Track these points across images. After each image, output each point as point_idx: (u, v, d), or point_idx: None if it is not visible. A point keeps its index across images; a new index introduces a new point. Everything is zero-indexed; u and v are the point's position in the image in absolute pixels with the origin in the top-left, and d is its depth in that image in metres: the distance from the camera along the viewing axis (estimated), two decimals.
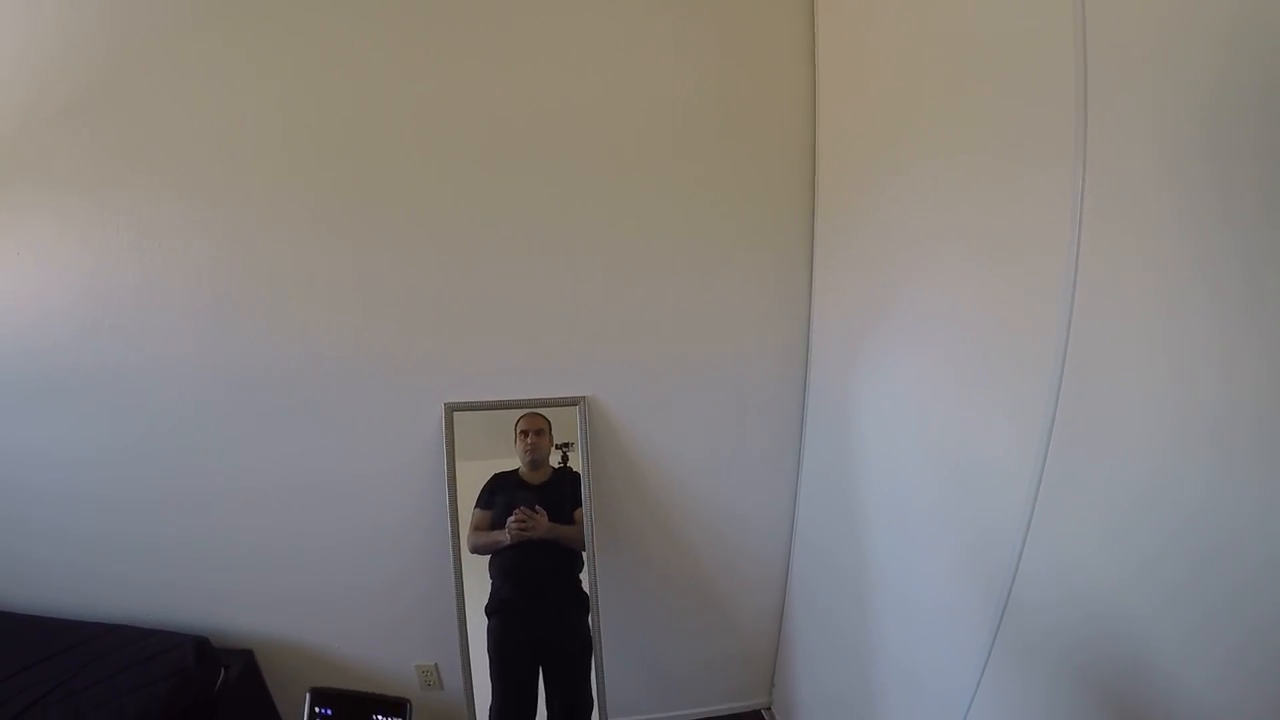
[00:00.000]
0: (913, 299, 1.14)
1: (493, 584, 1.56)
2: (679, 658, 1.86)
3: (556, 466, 1.56)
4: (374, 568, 1.67)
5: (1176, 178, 0.65)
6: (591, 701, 1.60)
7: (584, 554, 1.57)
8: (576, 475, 1.57)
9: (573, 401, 1.53)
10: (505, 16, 1.34)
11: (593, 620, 1.57)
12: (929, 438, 1.11)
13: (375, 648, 1.77)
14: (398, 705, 0.49)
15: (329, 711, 0.49)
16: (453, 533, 1.51)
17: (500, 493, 1.55)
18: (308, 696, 0.48)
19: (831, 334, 1.47)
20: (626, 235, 1.47)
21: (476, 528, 1.55)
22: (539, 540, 1.51)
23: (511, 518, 1.49)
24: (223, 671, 1.65)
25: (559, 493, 1.55)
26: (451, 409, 1.49)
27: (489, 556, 1.55)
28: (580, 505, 1.57)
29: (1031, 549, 0.89)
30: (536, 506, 1.50)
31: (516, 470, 1.56)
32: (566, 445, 1.56)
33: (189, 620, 1.68)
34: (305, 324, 1.46)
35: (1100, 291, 0.76)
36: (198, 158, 1.35)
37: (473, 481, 1.56)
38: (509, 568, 1.55)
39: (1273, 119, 0.56)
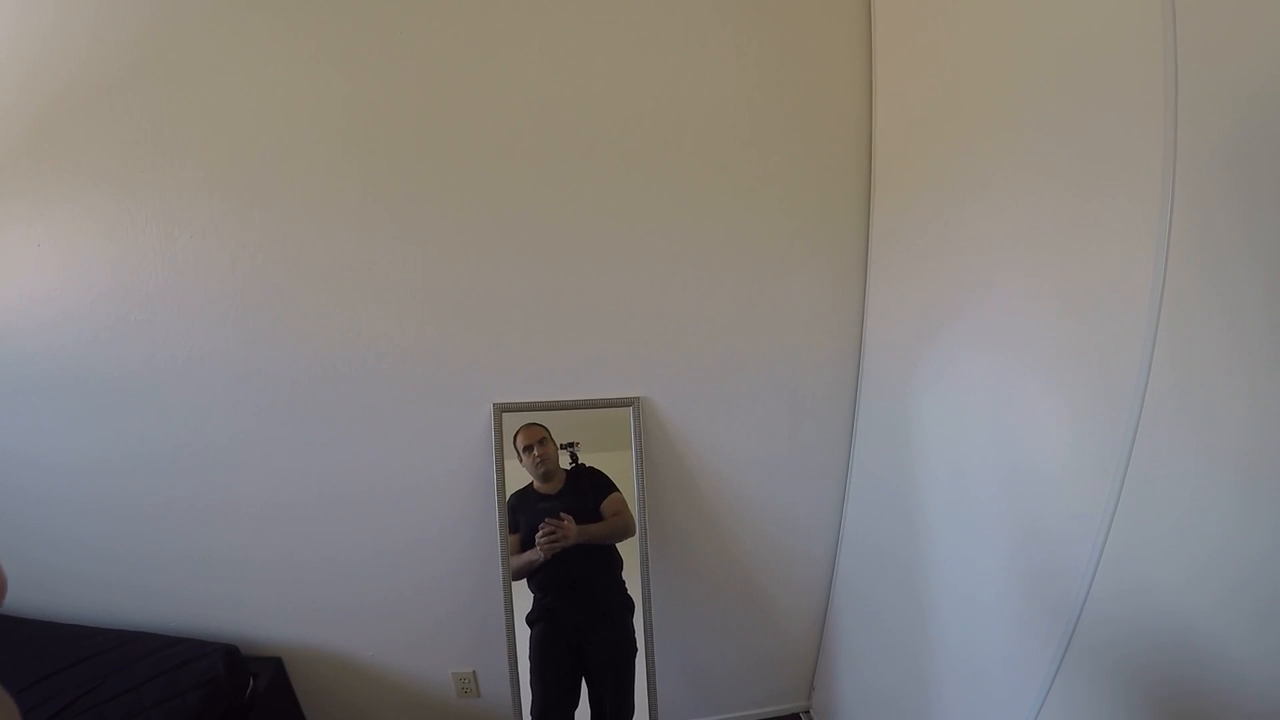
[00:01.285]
0: (982, 306, 1.12)
1: (534, 596, 1.53)
2: (719, 660, 1.83)
3: (568, 468, 1.52)
4: (411, 576, 1.62)
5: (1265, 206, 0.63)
6: (633, 707, 1.57)
7: (633, 557, 1.54)
8: (590, 469, 1.52)
9: (626, 402, 1.48)
10: (572, 14, 1.29)
11: (644, 623, 1.53)
12: (999, 445, 1.09)
13: (410, 655, 1.72)
14: None
15: None
16: (501, 537, 1.47)
17: (522, 513, 1.51)
18: None
19: (888, 336, 1.44)
20: (682, 235, 1.43)
21: (510, 553, 1.50)
22: (573, 546, 1.47)
23: (539, 533, 1.44)
24: (251, 680, 1.59)
25: (579, 494, 1.51)
26: (500, 409, 1.44)
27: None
28: (604, 496, 1.51)
29: (1104, 572, 0.87)
30: (561, 515, 1.46)
31: (530, 485, 1.51)
32: (573, 445, 1.51)
33: (216, 628, 1.63)
34: (346, 323, 1.40)
35: (1187, 321, 0.74)
36: (235, 147, 1.29)
37: (513, 483, 1.51)
38: (548, 581, 1.51)
39: None
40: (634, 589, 1.55)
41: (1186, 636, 0.76)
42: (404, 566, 1.61)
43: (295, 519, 1.55)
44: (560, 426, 1.49)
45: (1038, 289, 0.99)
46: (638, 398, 1.49)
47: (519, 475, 1.50)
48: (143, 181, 1.29)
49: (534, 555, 1.46)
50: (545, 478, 1.50)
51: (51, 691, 1.43)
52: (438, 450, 1.50)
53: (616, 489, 1.52)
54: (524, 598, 1.51)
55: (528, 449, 1.48)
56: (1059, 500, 0.96)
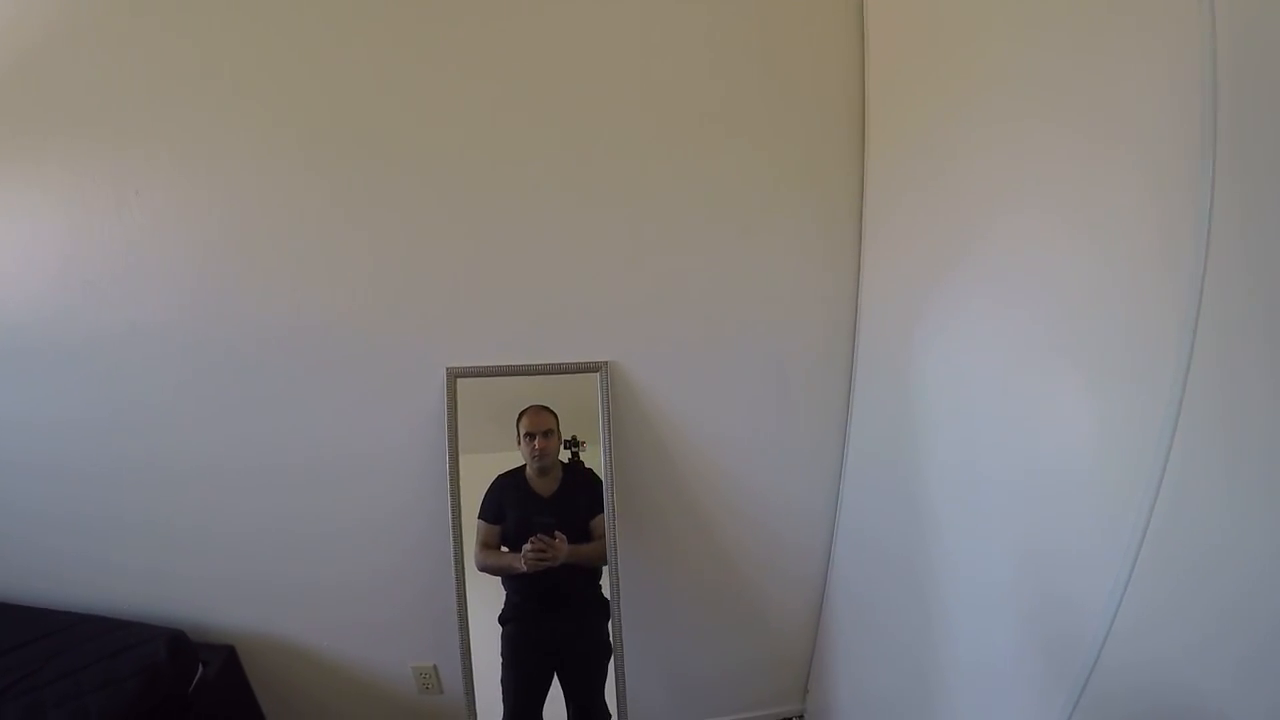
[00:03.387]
0: (986, 247, 0.98)
1: (506, 595, 1.41)
2: (705, 660, 1.69)
3: (565, 462, 1.39)
4: (368, 558, 1.51)
5: None
6: (608, 711, 1.44)
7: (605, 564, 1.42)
8: (589, 472, 1.39)
9: (593, 367, 1.35)
10: None
11: (613, 618, 1.40)
12: (1011, 421, 0.94)
13: (369, 646, 1.60)
14: None
15: None
16: (453, 519, 1.34)
17: (510, 506, 1.38)
18: None
19: (886, 293, 1.29)
20: (654, 183, 1.29)
21: (485, 545, 1.38)
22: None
23: (528, 546, 1.32)
24: (200, 668, 1.51)
25: (573, 502, 1.39)
26: (455, 375, 1.32)
27: None
28: (599, 512, 1.39)
29: (1135, 586, 0.73)
30: (556, 533, 1.33)
31: (522, 470, 1.39)
32: (577, 443, 1.38)
33: (169, 611, 1.54)
34: (294, 281, 1.29)
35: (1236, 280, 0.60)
36: (182, 109, 1.20)
37: (477, 477, 1.38)
38: (525, 586, 1.40)
39: None
40: (604, 580, 1.42)
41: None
42: (360, 546, 1.49)
43: (243, 489, 1.45)
44: (522, 394, 1.36)
45: (1051, 227, 0.85)
46: (606, 362, 1.35)
47: (480, 467, 1.38)
48: (88, 142, 1.21)
49: (515, 563, 1.34)
50: (541, 472, 1.38)
51: None
52: (389, 419, 1.38)
53: None
54: (481, 587, 1.39)
55: (529, 436, 1.35)
56: (1079, 504, 0.81)
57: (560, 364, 1.34)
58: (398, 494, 1.44)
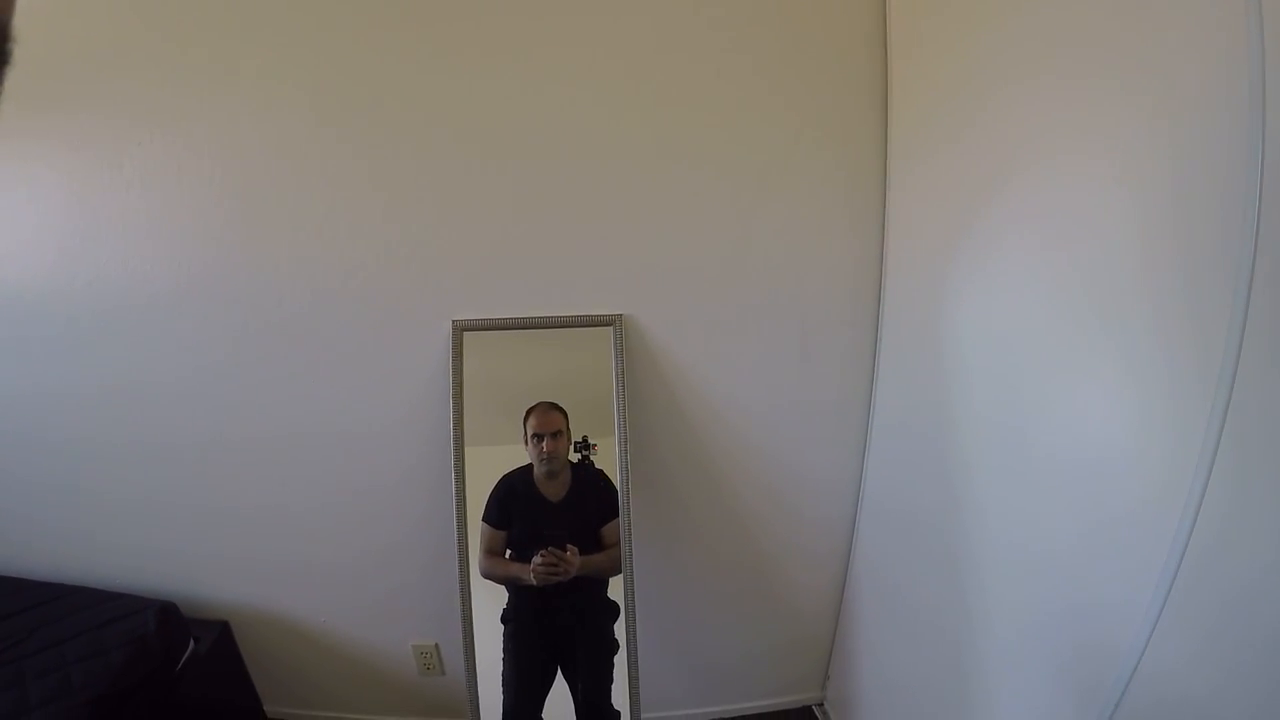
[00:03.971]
0: (1024, 193, 0.90)
1: (509, 596, 1.34)
2: (721, 644, 1.61)
3: (573, 460, 1.31)
4: (369, 532, 1.44)
5: None
6: (616, 711, 1.36)
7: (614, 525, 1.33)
8: (600, 474, 1.31)
9: (607, 321, 1.27)
10: None
11: (626, 600, 1.32)
12: (1057, 367, 0.85)
13: (368, 624, 1.54)
14: None
15: None
16: (456, 490, 1.27)
17: (517, 513, 1.30)
18: None
19: (913, 245, 1.21)
20: (669, 129, 1.22)
21: (489, 551, 1.30)
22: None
23: (538, 559, 1.23)
24: (192, 643, 1.45)
25: (583, 507, 1.31)
26: (460, 328, 1.25)
27: None
28: (609, 519, 1.31)
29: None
30: (568, 546, 1.25)
31: (529, 471, 1.30)
32: (587, 446, 1.30)
33: (161, 586, 1.49)
34: (292, 230, 1.24)
35: None
36: (189, 59, 1.16)
37: (485, 471, 1.30)
38: (527, 593, 1.32)
39: None
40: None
41: None
42: (358, 519, 1.43)
43: (241, 461, 1.40)
44: (531, 349, 1.29)
45: (1089, 171, 0.78)
46: (619, 315, 1.28)
47: (487, 460, 1.30)
48: (96, 99, 1.18)
49: (522, 574, 1.26)
50: (550, 475, 1.29)
51: None
52: (393, 380, 1.32)
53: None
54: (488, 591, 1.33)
55: (537, 437, 1.27)
56: (1139, 482, 0.73)
57: (572, 317, 1.26)
58: (401, 459, 1.37)
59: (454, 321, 1.25)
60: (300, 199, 1.22)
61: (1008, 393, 0.96)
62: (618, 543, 1.31)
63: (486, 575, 1.30)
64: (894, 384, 1.31)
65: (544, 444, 1.27)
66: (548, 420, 1.28)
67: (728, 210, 1.26)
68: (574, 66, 1.19)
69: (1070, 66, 0.81)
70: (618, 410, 1.28)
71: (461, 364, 1.24)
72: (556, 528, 1.26)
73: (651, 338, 1.31)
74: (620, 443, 1.29)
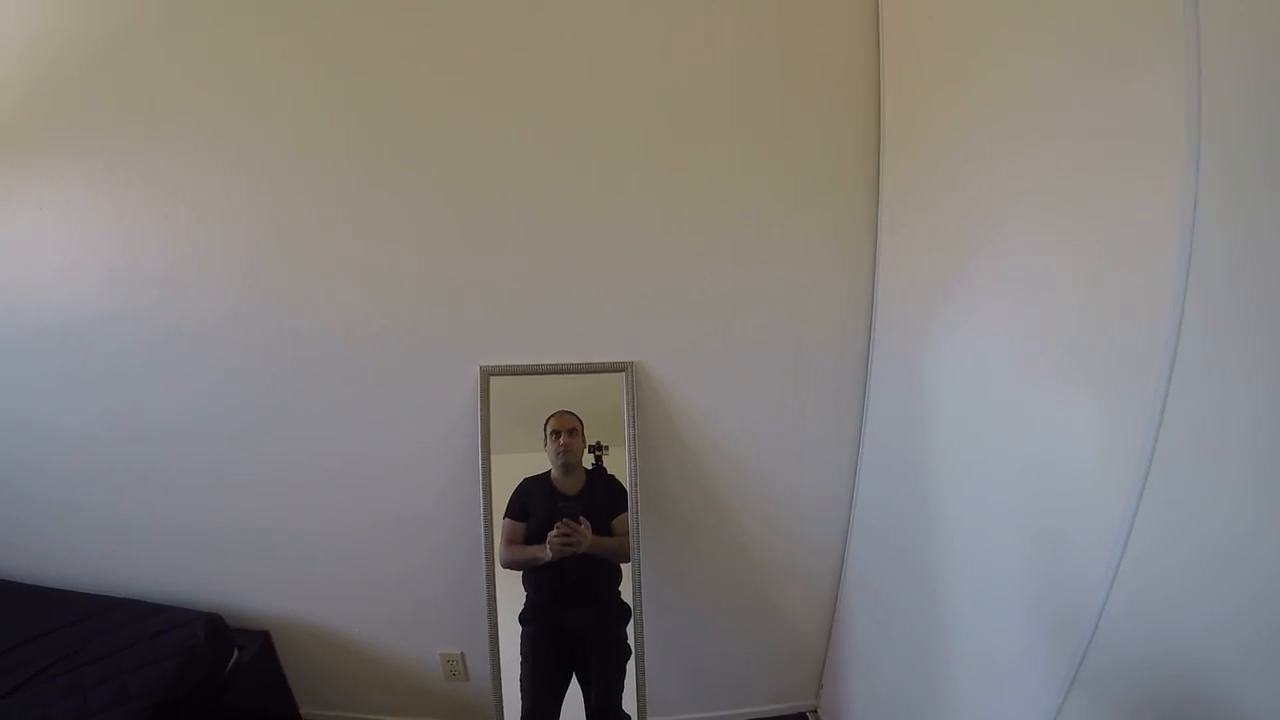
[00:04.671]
0: (993, 261, 1.02)
1: (528, 595, 1.45)
2: (722, 655, 1.73)
3: (590, 469, 1.44)
4: (400, 551, 1.57)
5: None
6: (626, 715, 1.48)
7: (626, 565, 1.47)
8: (612, 478, 1.44)
9: (619, 367, 1.40)
10: None
11: (634, 609, 1.44)
12: (1014, 400, 0.99)
13: (398, 634, 1.66)
14: None
15: None
16: (485, 513, 1.40)
17: (535, 504, 1.43)
18: None
19: (901, 298, 1.34)
20: (677, 189, 1.34)
21: (510, 541, 1.42)
22: (578, 555, 1.39)
23: (553, 531, 1.36)
24: (236, 652, 1.56)
25: (595, 500, 1.43)
26: (488, 373, 1.37)
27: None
28: (619, 512, 1.44)
29: (1127, 564, 0.77)
30: (580, 518, 1.37)
31: (547, 475, 1.43)
32: (600, 448, 1.43)
33: (205, 599, 1.60)
34: (335, 285, 1.37)
35: (1218, 284, 0.65)
36: (229, 118, 1.28)
37: (506, 477, 1.43)
38: (546, 584, 1.44)
39: None
40: (626, 570, 1.47)
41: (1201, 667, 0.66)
42: (391, 540, 1.55)
43: (282, 489, 1.52)
44: (551, 393, 1.41)
45: (1054, 244, 0.90)
46: (631, 362, 1.40)
47: (507, 467, 1.43)
48: (142, 152, 1.30)
49: (540, 553, 1.38)
50: (565, 470, 1.42)
51: (33, 654, 1.43)
52: (425, 416, 1.44)
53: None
54: (513, 584, 1.44)
55: (555, 434, 1.41)
56: (1077, 500, 0.86)
57: (588, 364, 1.39)
58: (432, 488, 1.50)
59: (482, 367, 1.38)
60: (342, 253, 1.34)
61: (974, 430, 1.11)
62: (626, 533, 1.44)
63: (507, 563, 1.42)
64: (881, 421, 1.44)
65: (561, 439, 1.40)
66: (565, 419, 1.42)
67: (730, 265, 1.38)
68: (592, 143, 1.31)
69: (1020, 154, 0.94)
70: (628, 446, 1.41)
71: (489, 407, 1.37)
72: (571, 506, 1.39)
73: (660, 381, 1.44)
74: (631, 474, 1.42)
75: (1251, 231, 0.62)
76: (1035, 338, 0.94)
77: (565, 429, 1.41)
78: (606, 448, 1.43)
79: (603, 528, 1.43)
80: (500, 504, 1.42)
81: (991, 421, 1.05)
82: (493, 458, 1.40)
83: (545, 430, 1.42)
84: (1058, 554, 0.90)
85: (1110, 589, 0.79)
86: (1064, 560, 0.89)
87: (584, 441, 1.43)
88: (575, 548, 1.37)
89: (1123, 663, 0.80)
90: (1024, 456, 0.97)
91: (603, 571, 1.46)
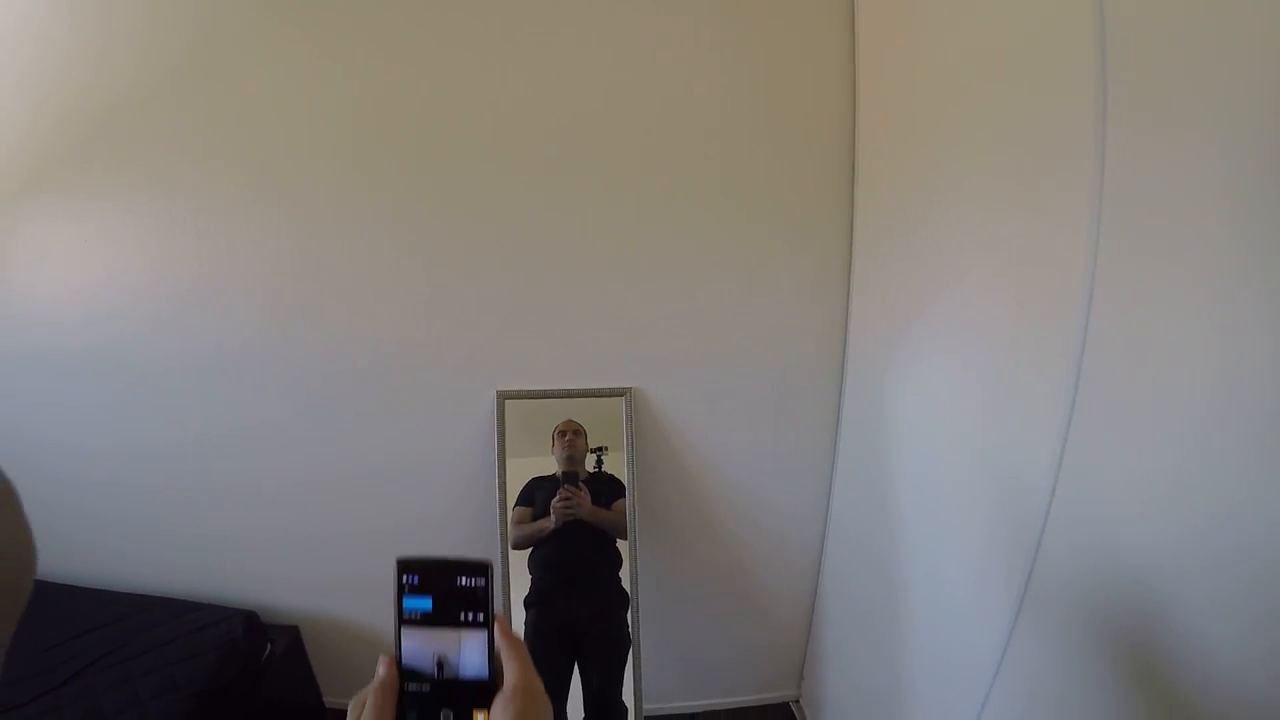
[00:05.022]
0: (943, 309, 1.19)
1: (532, 578, 1.58)
2: (712, 648, 1.89)
3: (592, 471, 1.59)
4: (419, 552, 1.69)
5: (1194, 192, 0.68)
6: (624, 706, 1.60)
7: (623, 546, 1.61)
8: (611, 476, 1.60)
9: (619, 392, 1.57)
10: (551, 25, 1.39)
11: (631, 607, 1.60)
12: (959, 431, 1.16)
13: None
14: (480, 567, 0.49)
15: (415, 579, 0.49)
16: (500, 517, 1.55)
17: (539, 491, 1.58)
18: (395, 565, 0.49)
19: (869, 336, 1.51)
20: (670, 232, 1.51)
21: (518, 523, 1.58)
22: (580, 530, 1.54)
23: (556, 498, 1.51)
24: (269, 646, 1.69)
25: (596, 487, 1.59)
26: (503, 397, 1.53)
27: (528, 551, 1.58)
28: (618, 498, 1.59)
29: (1051, 536, 0.93)
30: (580, 485, 1.53)
31: (553, 475, 1.59)
32: (601, 449, 1.59)
33: (241, 597, 1.73)
34: (362, 315, 1.52)
35: (1114, 313, 0.80)
36: (263, 153, 1.42)
37: (516, 477, 1.59)
38: (549, 559, 1.57)
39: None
40: (624, 573, 1.62)
41: (1139, 583, 0.79)
42: (410, 543, 1.66)
43: (313, 498, 1.66)
44: (558, 415, 1.58)
45: (986, 293, 1.06)
46: (630, 388, 1.57)
47: (515, 470, 1.59)
48: (182, 183, 1.43)
49: (544, 524, 1.53)
50: (569, 463, 1.58)
51: (81, 649, 1.55)
52: (447, 433, 1.60)
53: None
54: (520, 580, 1.59)
55: (561, 434, 1.57)
56: (1008, 487, 1.02)
57: (592, 389, 1.56)
58: (449, 498, 1.65)
59: (498, 391, 1.54)
60: (373, 285, 1.50)
61: (922, 442, 1.28)
62: (624, 513, 1.59)
63: (515, 541, 1.56)
64: (853, 438, 1.61)
65: (567, 436, 1.56)
66: (570, 424, 1.58)
67: (719, 302, 1.55)
68: (592, 195, 1.48)
69: (978, 208, 1.09)
70: (627, 463, 1.57)
71: (504, 425, 1.53)
72: (572, 477, 1.55)
73: (655, 404, 1.61)
74: (630, 486, 1.58)
75: (1134, 290, 0.79)
76: (966, 378, 1.12)
77: (570, 429, 1.57)
78: (606, 448, 1.59)
79: (604, 506, 1.58)
80: (514, 485, 1.58)
81: (939, 434, 1.22)
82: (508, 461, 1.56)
83: (554, 434, 1.58)
84: (997, 536, 1.05)
85: (1038, 545, 0.93)
86: (1003, 537, 1.03)
87: (587, 444, 1.59)
88: (576, 511, 1.51)
89: (1059, 608, 0.92)
90: (969, 464, 1.13)
91: (603, 552, 1.59)
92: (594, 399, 1.56)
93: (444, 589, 0.50)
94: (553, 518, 1.52)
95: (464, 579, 0.49)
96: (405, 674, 0.49)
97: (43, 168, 1.43)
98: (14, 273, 1.50)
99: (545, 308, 1.53)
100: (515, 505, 1.59)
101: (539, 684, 0.49)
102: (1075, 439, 0.87)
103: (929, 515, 1.27)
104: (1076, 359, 0.85)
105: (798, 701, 2.00)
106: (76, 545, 1.72)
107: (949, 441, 1.19)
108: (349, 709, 0.49)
